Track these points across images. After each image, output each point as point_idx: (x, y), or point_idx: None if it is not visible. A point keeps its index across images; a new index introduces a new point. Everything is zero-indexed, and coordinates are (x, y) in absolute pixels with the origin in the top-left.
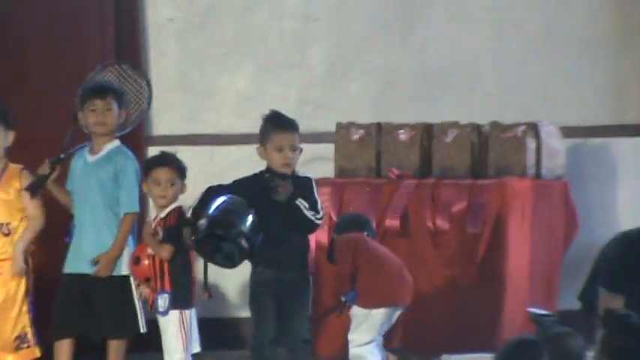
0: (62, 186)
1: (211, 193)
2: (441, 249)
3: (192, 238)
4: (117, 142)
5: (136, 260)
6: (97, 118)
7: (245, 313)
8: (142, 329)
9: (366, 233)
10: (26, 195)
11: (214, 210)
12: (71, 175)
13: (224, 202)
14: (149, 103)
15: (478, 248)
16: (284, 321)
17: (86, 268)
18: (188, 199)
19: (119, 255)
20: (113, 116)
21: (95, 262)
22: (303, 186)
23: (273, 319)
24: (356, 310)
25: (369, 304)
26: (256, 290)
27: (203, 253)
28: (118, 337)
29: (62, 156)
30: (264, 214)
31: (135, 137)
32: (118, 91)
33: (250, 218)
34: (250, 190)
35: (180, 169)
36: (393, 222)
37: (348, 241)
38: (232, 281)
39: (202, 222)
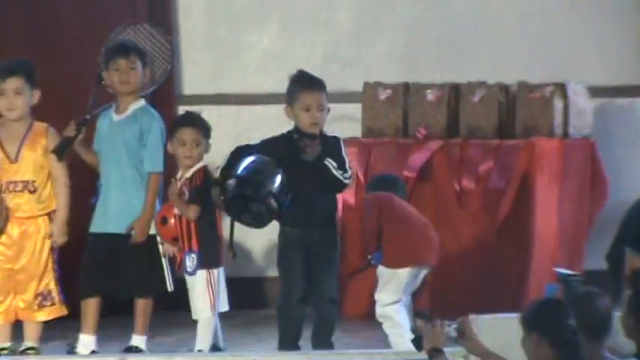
0: (89, 147)
1: (239, 152)
2: (466, 207)
3: (221, 198)
4: (142, 102)
5: (163, 220)
6: (121, 77)
7: (271, 272)
8: (170, 288)
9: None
10: (53, 157)
11: (243, 170)
12: (97, 135)
13: (253, 162)
14: (171, 62)
15: (502, 206)
16: (312, 281)
17: (113, 228)
18: (214, 158)
19: (152, 217)
20: (137, 75)
21: (130, 230)
22: (331, 146)
23: (301, 278)
24: (382, 270)
25: (394, 263)
26: (284, 250)
27: (232, 213)
28: (145, 295)
29: (87, 117)
30: (293, 174)
31: (166, 96)
32: (140, 50)
33: (279, 178)
34: (278, 150)
35: (205, 129)
36: (410, 174)
37: (374, 199)
38: (258, 241)
39: (231, 182)
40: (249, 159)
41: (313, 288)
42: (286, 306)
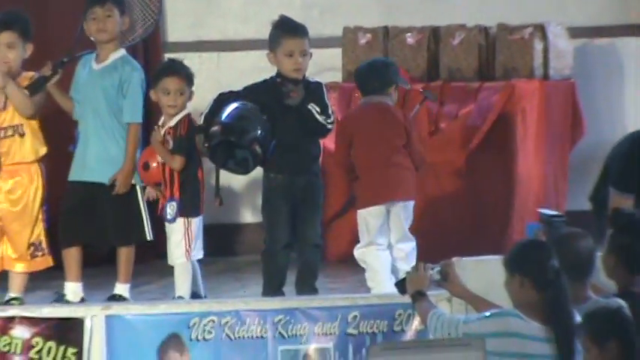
0: (64, 91)
1: (223, 99)
2: (441, 141)
3: (206, 145)
4: (122, 52)
5: (145, 165)
6: (98, 26)
7: (253, 218)
8: (149, 237)
9: (394, 86)
10: (26, 92)
11: (227, 116)
12: (75, 83)
13: (236, 108)
14: (159, 13)
15: (474, 140)
16: (296, 226)
17: (91, 176)
18: (195, 105)
19: (133, 168)
20: (114, 23)
21: (113, 181)
22: (314, 91)
23: (285, 224)
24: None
25: (359, 204)
26: (269, 196)
27: (216, 160)
28: (124, 243)
29: (65, 59)
30: (277, 120)
31: (152, 43)
32: None
33: (263, 124)
34: (261, 96)
35: (188, 78)
36: None
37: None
38: (239, 187)
39: (215, 129)
40: (233, 105)
41: (298, 233)
42: (271, 252)
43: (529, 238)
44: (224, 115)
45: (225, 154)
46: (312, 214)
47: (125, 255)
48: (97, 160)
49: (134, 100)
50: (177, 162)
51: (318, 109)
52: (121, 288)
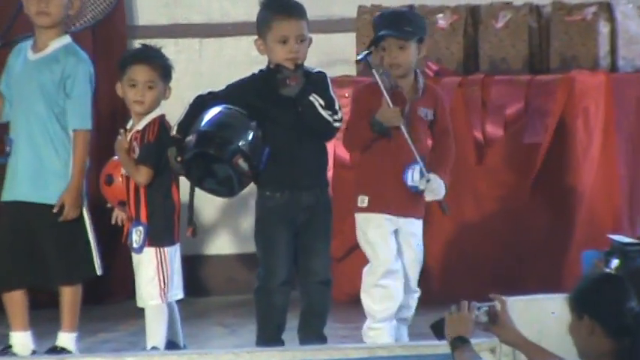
0: None
1: (201, 103)
2: (489, 162)
3: (178, 159)
4: (67, 39)
5: (107, 179)
6: (39, 6)
7: (244, 248)
8: (98, 271)
9: (418, 38)
10: None
11: (205, 124)
12: (6, 75)
13: (217, 114)
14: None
15: (534, 161)
16: (299, 258)
17: (23, 195)
18: (171, 106)
19: (82, 185)
20: (59, 4)
21: (60, 207)
22: (316, 82)
23: (285, 255)
24: None
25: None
26: (264, 219)
27: (192, 178)
28: (68, 281)
29: None
30: (272, 121)
31: (114, 27)
32: None
33: (251, 132)
34: (250, 94)
35: (162, 68)
36: None
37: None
38: (227, 209)
39: (190, 139)
40: (213, 110)
41: (301, 267)
42: (266, 290)
43: (602, 272)
44: (201, 122)
45: (202, 170)
46: (319, 241)
47: (69, 296)
48: (31, 175)
49: (81, 101)
50: (141, 175)
51: (322, 102)
52: (65, 338)
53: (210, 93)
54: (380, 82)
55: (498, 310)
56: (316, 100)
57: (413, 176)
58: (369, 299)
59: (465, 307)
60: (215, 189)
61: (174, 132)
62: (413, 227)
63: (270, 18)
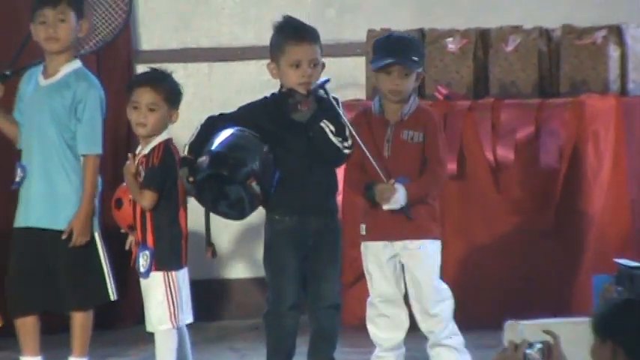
0: (7, 112)
1: (212, 123)
2: (506, 190)
3: (190, 179)
4: (77, 64)
5: (117, 203)
6: (47, 32)
7: (254, 272)
8: (112, 296)
9: (420, 71)
10: None
11: (218, 145)
12: (19, 102)
13: (230, 135)
14: (128, 13)
15: (553, 188)
16: (308, 282)
17: (36, 221)
18: (180, 130)
19: (91, 210)
20: (68, 29)
21: (69, 233)
22: (328, 108)
23: (294, 279)
24: None
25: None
26: (273, 243)
27: (204, 200)
28: (82, 307)
29: (8, 72)
30: (282, 145)
31: (119, 52)
32: None
33: (263, 154)
34: (261, 117)
35: (167, 92)
36: (450, 165)
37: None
38: (237, 232)
39: (203, 159)
40: (226, 132)
41: (310, 291)
42: (276, 314)
43: (625, 297)
44: (214, 143)
45: (215, 192)
46: (329, 266)
47: (80, 321)
48: (43, 201)
49: (91, 126)
50: (145, 199)
51: (332, 129)
52: None
53: (221, 114)
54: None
55: (552, 346)
56: (327, 126)
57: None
58: (375, 328)
59: (513, 347)
60: (227, 212)
61: (185, 152)
62: (414, 249)
63: (284, 42)
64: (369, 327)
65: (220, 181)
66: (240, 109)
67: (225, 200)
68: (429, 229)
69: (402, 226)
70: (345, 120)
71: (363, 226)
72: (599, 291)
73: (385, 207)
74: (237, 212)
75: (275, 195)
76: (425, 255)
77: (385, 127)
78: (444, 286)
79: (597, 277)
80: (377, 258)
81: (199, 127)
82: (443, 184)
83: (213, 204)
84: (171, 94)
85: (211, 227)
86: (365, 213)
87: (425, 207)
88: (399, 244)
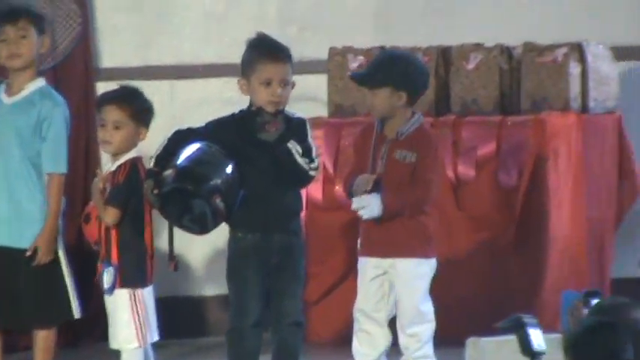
0: None
1: (179, 138)
2: (467, 207)
3: (155, 192)
4: (41, 82)
5: (85, 218)
6: (9, 49)
7: (216, 290)
8: (76, 314)
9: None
10: None
11: (184, 160)
12: None
13: (196, 150)
14: (79, 28)
15: (513, 205)
16: (270, 299)
17: (0, 240)
18: (145, 148)
19: (56, 229)
20: (30, 46)
21: (33, 251)
22: (296, 129)
23: (257, 296)
24: None
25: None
26: (237, 261)
27: (168, 213)
28: (45, 325)
29: None
30: (247, 162)
31: (79, 70)
32: (33, 12)
33: (229, 170)
34: (228, 133)
35: (133, 109)
36: None
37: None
38: (199, 250)
39: (169, 173)
40: (192, 147)
41: (273, 308)
42: (238, 331)
43: (596, 319)
44: (180, 157)
45: (179, 205)
46: (291, 283)
47: (44, 339)
48: (8, 219)
49: (56, 144)
50: (109, 215)
51: (299, 149)
52: None
53: (189, 129)
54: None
55: None
56: (294, 146)
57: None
58: (356, 341)
59: None
60: (189, 226)
61: (151, 165)
62: (401, 268)
63: (256, 59)
64: (353, 339)
65: (185, 195)
66: (208, 124)
67: (188, 214)
68: (419, 248)
69: (392, 243)
70: (312, 142)
71: (359, 241)
72: (568, 308)
73: (362, 214)
74: (199, 227)
75: (239, 212)
76: (411, 275)
77: (382, 144)
78: (428, 309)
79: (566, 293)
80: (364, 273)
81: (166, 141)
82: (422, 204)
83: (177, 217)
84: (138, 112)
85: (178, 244)
86: (361, 228)
87: (417, 225)
88: (388, 262)
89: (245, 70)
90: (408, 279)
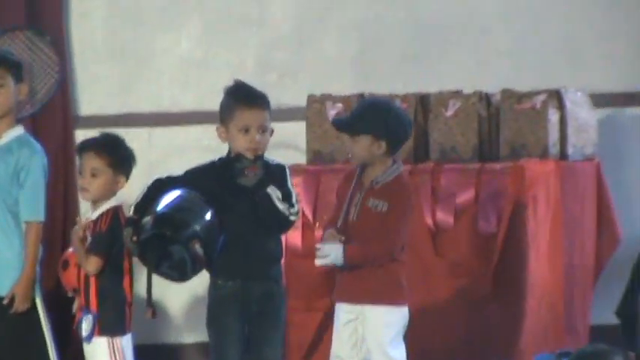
0: None
1: (159, 185)
2: (446, 254)
3: (134, 239)
4: (19, 130)
5: (64, 264)
6: None
7: (193, 338)
8: None
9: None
10: None
11: (163, 207)
12: None
13: (176, 197)
14: (58, 75)
15: (492, 252)
16: (251, 347)
17: None
18: (123, 195)
19: (33, 277)
20: (8, 94)
21: (10, 300)
22: (275, 174)
23: (237, 344)
24: None
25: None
26: (217, 309)
27: (147, 260)
28: None
29: None
30: (227, 209)
31: (59, 118)
32: (11, 60)
33: (208, 217)
34: (207, 181)
35: (111, 157)
36: None
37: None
38: (179, 297)
39: (148, 220)
40: (172, 194)
41: (252, 355)
42: None
43: (593, 347)
44: (160, 204)
45: (158, 252)
46: (271, 330)
47: None
48: None
49: (34, 193)
50: (91, 264)
51: (279, 195)
52: None
53: (169, 177)
54: None
55: None
56: (274, 192)
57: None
58: None
59: None
60: (168, 273)
61: (131, 213)
62: (370, 315)
63: (234, 106)
64: None
65: (163, 242)
66: (187, 172)
67: (167, 261)
68: (388, 295)
69: (363, 290)
70: (292, 187)
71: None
72: None
73: (316, 261)
74: (178, 274)
75: (219, 259)
76: (379, 322)
77: (358, 191)
78: (399, 356)
79: (539, 357)
80: (337, 321)
81: (146, 189)
82: (387, 256)
83: (156, 264)
84: (116, 160)
85: (157, 290)
86: (336, 274)
87: (387, 273)
88: (357, 309)
89: (223, 117)
90: (377, 325)
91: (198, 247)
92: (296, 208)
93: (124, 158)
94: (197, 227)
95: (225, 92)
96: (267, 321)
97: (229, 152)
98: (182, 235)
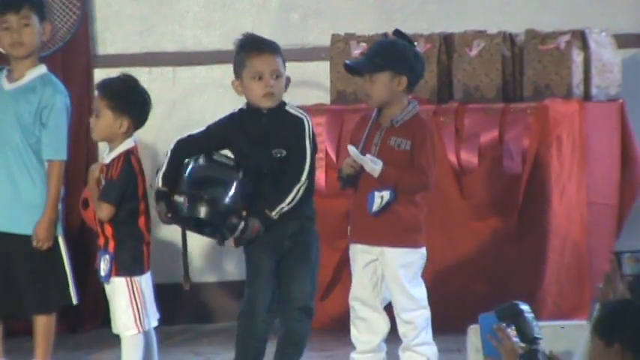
0: None
1: (182, 148)
2: (470, 195)
3: (168, 215)
4: (43, 69)
5: (84, 204)
6: (12, 37)
7: (218, 277)
8: (74, 300)
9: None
10: None
11: (193, 184)
12: None
13: (204, 169)
14: (80, 14)
15: (516, 192)
16: (281, 283)
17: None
18: (148, 135)
19: (56, 215)
20: (32, 33)
21: (34, 238)
22: (291, 128)
23: (269, 282)
24: None
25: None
26: (251, 247)
27: (184, 228)
28: (43, 310)
29: None
30: (252, 157)
31: (79, 57)
32: (35, 1)
33: (238, 185)
34: (230, 132)
35: (109, 98)
36: None
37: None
38: (200, 237)
39: (181, 200)
40: (199, 165)
41: (281, 292)
42: (250, 315)
43: (625, 299)
44: (188, 180)
45: (196, 228)
46: (299, 266)
47: (43, 326)
48: (7, 205)
49: (56, 132)
50: (103, 211)
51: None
52: None
53: (190, 136)
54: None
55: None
56: (281, 152)
57: (374, 203)
58: (354, 330)
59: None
60: (210, 234)
61: (159, 184)
62: (389, 256)
63: (244, 56)
64: (351, 327)
65: (199, 221)
66: (210, 127)
67: (207, 227)
68: (407, 237)
69: (380, 231)
70: (308, 143)
71: (349, 228)
72: (486, 332)
73: (365, 166)
74: (218, 241)
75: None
76: (398, 263)
77: (376, 132)
78: (420, 295)
79: (484, 317)
80: (356, 261)
81: (169, 154)
82: (417, 188)
83: (199, 231)
84: (116, 103)
85: (176, 230)
86: (351, 215)
87: (406, 214)
88: (377, 250)
89: (237, 69)
90: (396, 267)
91: (234, 220)
92: (304, 175)
93: (128, 102)
94: (231, 202)
95: (235, 46)
96: (296, 257)
97: (247, 104)
98: (218, 217)
